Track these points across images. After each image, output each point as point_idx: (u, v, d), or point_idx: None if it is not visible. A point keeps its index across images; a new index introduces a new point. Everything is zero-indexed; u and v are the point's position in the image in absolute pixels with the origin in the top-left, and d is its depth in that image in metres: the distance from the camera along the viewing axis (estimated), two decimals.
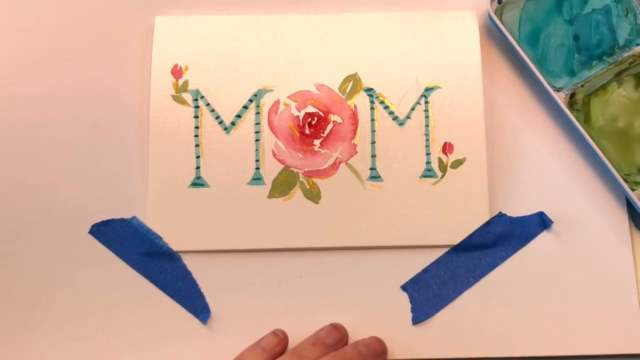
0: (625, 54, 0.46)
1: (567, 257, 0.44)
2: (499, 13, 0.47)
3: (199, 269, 0.44)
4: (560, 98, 0.45)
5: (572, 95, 0.46)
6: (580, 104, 0.46)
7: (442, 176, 0.44)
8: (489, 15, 0.46)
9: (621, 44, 0.47)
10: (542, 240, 0.44)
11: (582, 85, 0.46)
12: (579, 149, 0.46)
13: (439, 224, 0.44)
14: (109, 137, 0.46)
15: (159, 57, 0.46)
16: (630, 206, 0.45)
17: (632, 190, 0.44)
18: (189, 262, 0.44)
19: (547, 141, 0.46)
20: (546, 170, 0.46)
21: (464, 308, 0.43)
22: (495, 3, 0.46)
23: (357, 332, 0.42)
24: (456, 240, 0.44)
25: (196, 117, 0.45)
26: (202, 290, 0.44)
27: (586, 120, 0.46)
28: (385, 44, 0.46)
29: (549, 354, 0.43)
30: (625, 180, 0.44)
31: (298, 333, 0.42)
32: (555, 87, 0.46)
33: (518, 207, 0.45)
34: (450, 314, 0.43)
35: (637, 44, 0.47)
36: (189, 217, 0.44)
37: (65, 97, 0.46)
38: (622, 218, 0.45)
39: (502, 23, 0.46)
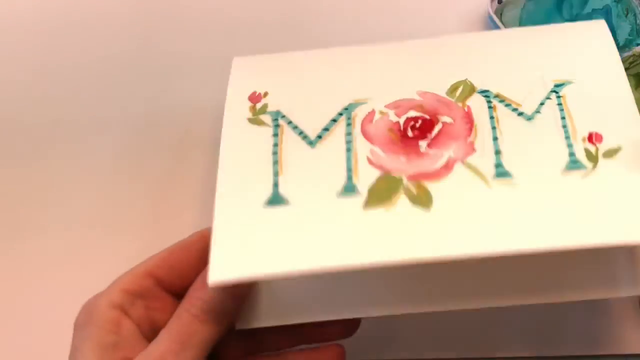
0: (625, 54, 0.46)
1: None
2: (499, 13, 0.47)
3: None
4: None
5: None
6: None
7: (594, 167, 0.33)
8: (489, 16, 0.46)
9: (621, 44, 0.47)
10: None
11: None
12: None
13: (600, 220, 0.31)
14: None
15: (235, 86, 0.38)
16: None
17: None
18: None
19: None
20: None
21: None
22: (495, 3, 0.47)
23: None
24: (628, 237, 0.31)
25: (275, 135, 0.36)
26: None
27: None
28: (495, 53, 0.38)
29: (549, 354, 0.43)
30: None
31: None
32: None
33: None
34: (449, 314, 0.43)
35: (637, 44, 0.47)
36: (265, 238, 0.33)
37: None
38: None
39: (502, 23, 0.46)
